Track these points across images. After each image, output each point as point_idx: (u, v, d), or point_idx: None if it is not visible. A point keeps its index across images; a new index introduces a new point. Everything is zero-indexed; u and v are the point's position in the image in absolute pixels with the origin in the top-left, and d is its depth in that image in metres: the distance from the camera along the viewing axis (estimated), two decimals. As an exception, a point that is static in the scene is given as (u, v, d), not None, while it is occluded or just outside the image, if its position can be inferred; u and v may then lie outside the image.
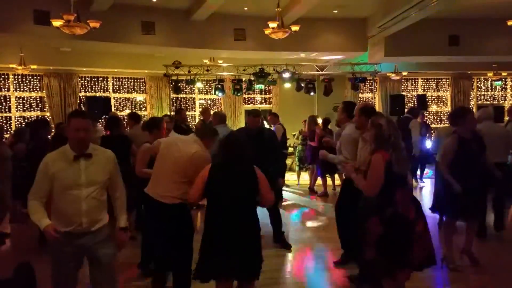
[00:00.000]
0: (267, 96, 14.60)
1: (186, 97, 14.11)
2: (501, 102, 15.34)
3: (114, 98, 13.42)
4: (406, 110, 7.48)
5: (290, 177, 9.78)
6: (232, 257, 2.82)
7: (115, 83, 13.51)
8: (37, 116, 12.74)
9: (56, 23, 7.27)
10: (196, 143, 3.39)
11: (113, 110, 12.99)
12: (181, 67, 11.14)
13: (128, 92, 13.68)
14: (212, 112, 7.80)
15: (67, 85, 12.62)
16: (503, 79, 15.17)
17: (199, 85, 12.45)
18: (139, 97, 13.80)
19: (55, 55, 11.53)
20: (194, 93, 14.10)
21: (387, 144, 2.96)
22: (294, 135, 10.08)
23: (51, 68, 12.25)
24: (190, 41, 10.63)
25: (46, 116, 12.75)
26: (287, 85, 12.36)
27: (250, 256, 2.89)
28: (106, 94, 13.31)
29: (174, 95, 12.97)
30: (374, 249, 2.93)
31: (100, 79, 13.34)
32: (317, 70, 11.95)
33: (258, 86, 12.90)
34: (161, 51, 11.17)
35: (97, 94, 13.14)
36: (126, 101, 13.71)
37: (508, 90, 15.52)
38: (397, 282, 3.00)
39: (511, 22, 9.00)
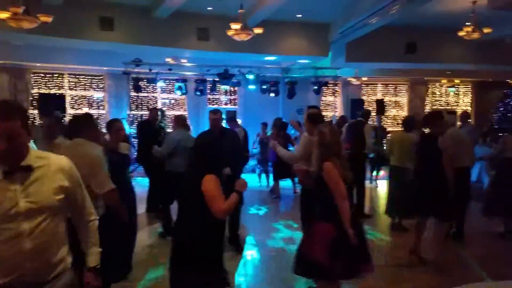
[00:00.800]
0: (232, 97, 14.50)
1: (148, 96, 13.74)
2: (454, 107, 16.09)
3: (69, 95, 12.86)
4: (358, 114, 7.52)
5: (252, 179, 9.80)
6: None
7: (71, 80, 12.94)
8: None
9: (2, 15, 6.82)
10: (85, 144, 3.12)
11: (68, 108, 12.49)
12: (142, 65, 10.85)
13: (85, 89, 13.15)
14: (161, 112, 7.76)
15: (18, 81, 11.94)
16: (456, 86, 15.94)
17: (161, 84, 12.18)
18: (97, 95, 13.30)
19: (5, 48, 10.86)
20: (156, 92, 13.76)
21: (329, 151, 3.12)
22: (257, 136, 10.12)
23: (0, 62, 11.55)
24: (151, 39, 10.33)
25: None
26: (252, 87, 12.34)
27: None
28: (61, 91, 12.73)
29: (135, 94, 12.60)
30: (327, 253, 2.99)
31: (55, 75, 12.74)
32: (281, 73, 12.03)
33: (223, 87, 12.84)
34: (121, 48, 10.79)
35: (52, 91, 12.56)
36: (83, 99, 13.17)
37: (461, 96, 16.31)
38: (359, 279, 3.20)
39: (461, 33, 9.42)
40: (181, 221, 2.81)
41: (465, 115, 7.81)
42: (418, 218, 4.79)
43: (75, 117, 3.49)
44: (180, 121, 5.96)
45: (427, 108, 15.85)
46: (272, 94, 11.66)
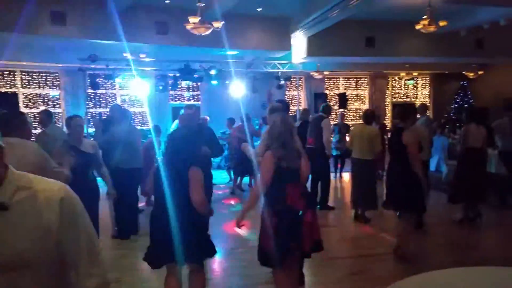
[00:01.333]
0: (195, 92, 14.28)
1: (106, 93, 13.31)
2: (413, 100, 16.57)
3: (23, 94, 12.26)
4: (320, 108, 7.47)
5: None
6: (170, 245, 2.95)
7: (24, 78, 12.33)
8: None
9: None
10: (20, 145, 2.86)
11: (22, 107, 11.91)
12: (99, 61, 10.44)
13: (39, 87, 12.56)
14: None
15: (-35, 80, 11.27)
16: (415, 78, 16.40)
17: (119, 80, 11.80)
18: (53, 93, 12.74)
19: None
20: (115, 89, 13.34)
21: (278, 141, 3.15)
22: (223, 133, 10.01)
23: None
24: (107, 34, 9.96)
25: None
26: (214, 82, 12.18)
27: (187, 243, 2.99)
28: (14, 89, 12.11)
29: (92, 91, 12.16)
30: (271, 239, 3.10)
31: (5, 73, 12.09)
32: (244, 68, 11.93)
33: (185, 83, 12.59)
34: (75, 43, 10.35)
35: (3, 90, 11.92)
36: (38, 97, 12.59)
37: (419, 89, 16.80)
38: (287, 270, 3.20)
39: (418, 26, 9.64)
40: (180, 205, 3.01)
41: (423, 107, 7.95)
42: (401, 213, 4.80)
43: (6, 114, 3.16)
44: (121, 113, 5.82)
45: (388, 101, 16.25)
46: (235, 89, 11.54)
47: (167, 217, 2.99)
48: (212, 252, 3.23)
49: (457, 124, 12.23)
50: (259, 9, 10.67)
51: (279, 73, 11.75)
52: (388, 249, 4.82)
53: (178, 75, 10.94)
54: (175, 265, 3.12)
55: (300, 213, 3.09)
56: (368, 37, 12.13)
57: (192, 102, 14.09)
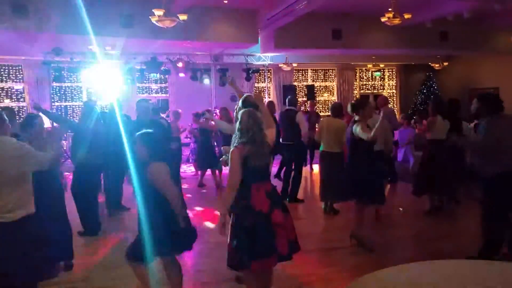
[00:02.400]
0: (163, 85, 14.19)
1: (72, 86, 13.06)
2: (380, 91, 16.95)
3: (-15, 88, 11.92)
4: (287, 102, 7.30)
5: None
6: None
7: (-15, 71, 11.98)
8: None
9: None
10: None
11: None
12: (63, 54, 10.26)
13: (2, 81, 12.22)
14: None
15: None
16: (382, 70, 16.76)
17: (85, 73, 11.61)
18: (17, 86, 12.41)
19: None
20: (80, 82, 13.10)
21: (246, 137, 3.04)
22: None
23: None
24: (71, 27, 9.76)
25: None
26: (182, 75, 12.14)
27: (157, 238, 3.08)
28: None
29: (57, 84, 11.92)
30: (232, 240, 3.04)
31: (-35, 66, 11.72)
32: (212, 60, 11.94)
33: (153, 75, 12.50)
34: (38, 36, 10.10)
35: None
36: (1, 91, 12.25)
37: (386, 80, 17.19)
38: (259, 272, 3.10)
39: (383, 19, 9.86)
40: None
41: (383, 99, 8.03)
42: (355, 202, 4.88)
43: None
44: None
45: (355, 93, 16.56)
46: (203, 82, 11.56)
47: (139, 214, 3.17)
48: (182, 246, 3.26)
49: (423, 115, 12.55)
50: (225, 1, 10.65)
51: (247, 65, 11.81)
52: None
53: (145, 67, 10.86)
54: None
55: (265, 214, 2.99)
56: (334, 29, 12.28)
57: (160, 95, 14.01)
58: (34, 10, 9.40)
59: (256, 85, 14.96)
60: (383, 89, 17.13)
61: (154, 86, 14.15)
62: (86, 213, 5.39)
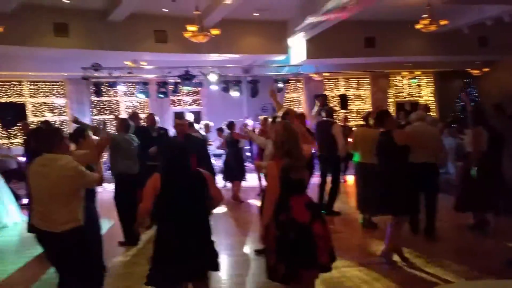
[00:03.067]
0: (195, 97, 14.47)
1: (110, 100, 13.58)
2: (417, 99, 16.48)
3: (30, 103, 12.58)
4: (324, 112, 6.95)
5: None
6: (189, 261, 2.91)
7: (31, 87, 12.66)
8: None
9: (-52, 26, 6.65)
10: (59, 160, 3.10)
11: (29, 116, 12.22)
12: (101, 70, 10.69)
13: (45, 96, 12.88)
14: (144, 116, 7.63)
15: (-25, 91, 11.62)
16: (418, 77, 16.30)
17: (122, 87, 12.04)
18: (58, 102, 13.04)
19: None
20: (118, 96, 13.60)
21: (281, 150, 3.04)
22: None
23: (-45, 72, 11.21)
24: (108, 43, 10.22)
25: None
26: (214, 87, 12.33)
27: (206, 257, 3.02)
28: (22, 99, 12.44)
29: (96, 99, 12.42)
30: (274, 254, 3.02)
31: (14, 83, 12.43)
32: (243, 72, 12.06)
33: (185, 88, 12.74)
34: (78, 53, 10.61)
35: (12, 100, 12.26)
36: (45, 106, 12.90)
37: (423, 88, 16.70)
38: (303, 285, 3.05)
39: (419, 26, 9.63)
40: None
41: (423, 108, 7.76)
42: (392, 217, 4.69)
43: (47, 132, 3.38)
44: (123, 125, 5.92)
45: (390, 101, 16.19)
46: (235, 94, 11.68)
47: (183, 231, 2.95)
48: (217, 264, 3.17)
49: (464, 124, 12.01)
50: (255, 14, 10.79)
51: (278, 76, 11.84)
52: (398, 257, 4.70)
53: (178, 81, 11.12)
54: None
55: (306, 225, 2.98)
56: (367, 37, 12.15)
57: (193, 107, 14.28)
58: (74, 28, 9.92)
59: (286, 95, 14.95)
60: (420, 97, 16.64)
61: (186, 99, 14.45)
62: (127, 223, 5.50)
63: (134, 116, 7.48)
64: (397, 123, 5.66)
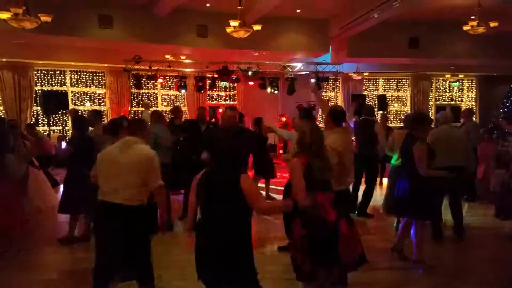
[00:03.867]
0: (232, 93, 14.49)
1: (148, 93, 13.80)
2: (458, 103, 15.92)
3: (72, 92, 12.94)
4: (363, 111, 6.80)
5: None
6: (208, 269, 2.74)
7: (73, 77, 13.01)
8: (-12, 111, 12.14)
9: (3, 15, 6.87)
10: (139, 142, 3.27)
11: (70, 104, 12.57)
12: (142, 62, 10.87)
13: (87, 86, 13.21)
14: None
15: (22, 78, 12.04)
16: (460, 81, 15.73)
17: (160, 80, 12.23)
18: (99, 92, 13.36)
19: (9, 46, 10.94)
20: (156, 89, 13.80)
21: (308, 151, 3.04)
22: None
23: (4, 60, 11.64)
24: (151, 36, 10.35)
25: (-1, 111, 12.17)
26: (251, 83, 12.31)
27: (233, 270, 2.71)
28: (64, 88, 12.81)
29: (135, 90, 12.64)
30: (298, 250, 3.01)
31: (57, 72, 12.81)
32: (281, 69, 11.97)
33: (222, 83, 12.80)
34: (121, 45, 10.82)
35: (54, 88, 12.64)
36: (85, 96, 13.24)
37: (465, 91, 16.10)
38: (325, 284, 3.03)
39: (466, 27, 9.26)
40: (216, 220, 2.71)
41: (467, 112, 7.61)
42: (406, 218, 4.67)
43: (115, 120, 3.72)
44: (157, 116, 6.04)
45: (431, 104, 15.71)
46: (271, 90, 11.61)
47: (209, 237, 2.72)
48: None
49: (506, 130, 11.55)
50: (298, 11, 10.66)
51: (317, 74, 11.69)
52: (430, 260, 4.61)
53: (216, 76, 11.17)
54: None
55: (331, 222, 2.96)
56: (411, 37, 11.82)
57: (228, 102, 14.32)
58: (118, 21, 10.09)
59: (324, 93, 14.75)
60: (461, 100, 16.05)
61: (222, 94, 14.50)
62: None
63: (176, 110, 7.68)
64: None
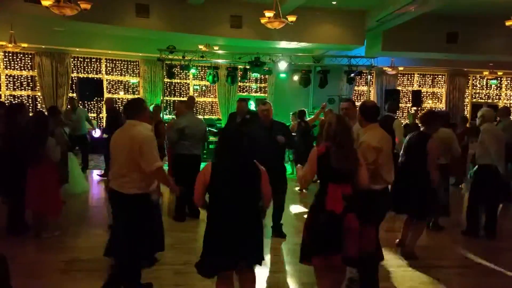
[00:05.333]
0: (262, 84, 14.47)
1: (180, 83, 13.96)
2: (495, 101, 15.36)
3: (106, 80, 13.23)
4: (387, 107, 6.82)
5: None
6: (236, 251, 2.88)
7: (108, 65, 13.30)
8: (28, 96, 12.57)
9: (46, 2, 7.05)
10: (137, 125, 3.32)
11: (105, 92, 12.86)
12: (176, 52, 10.98)
13: (121, 74, 13.48)
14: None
15: (59, 65, 12.41)
16: (499, 78, 15.16)
17: (193, 71, 12.33)
18: (133, 80, 13.61)
19: (48, 33, 11.29)
20: (189, 79, 13.94)
21: (332, 140, 3.13)
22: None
23: (43, 47, 12.01)
24: (185, 26, 10.44)
25: (37, 96, 12.58)
26: (283, 75, 12.25)
27: (253, 247, 2.97)
28: (99, 75, 13.11)
29: (168, 80, 12.80)
30: (304, 233, 3.19)
31: (93, 60, 13.12)
32: (314, 62, 11.85)
33: (253, 75, 12.78)
34: (156, 34, 10.96)
35: (90, 76, 12.96)
36: (119, 84, 13.52)
37: (503, 89, 15.51)
38: (323, 268, 3.19)
39: (509, 23, 8.88)
40: (244, 203, 2.96)
41: (504, 110, 7.37)
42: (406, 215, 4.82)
43: (132, 102, 3.66)
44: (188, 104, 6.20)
45: (467, 101, 15.22)
46: (303, 83, 11.52)
47: (231, 221, 2.88)
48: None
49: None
50: (334, 2, 10.49)
51: (350, 67, 11.51)
52: (460, 262, 4.60)
53: (248, 67, 11.16)
54: (232, 271, 3.04)
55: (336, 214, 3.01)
56: (450, 32, 11.44)
57: (259, 94, 14.31)
58: (154, 10, 10.21)
59: (356, 88, 14.53)
60: (499, 99, 15.47)
61: (254, 86, 14.50)
62: (178, 202, 5.78)
63: (190, 100, 7.82)
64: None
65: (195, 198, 3.01)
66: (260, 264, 3.02)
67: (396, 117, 6.75)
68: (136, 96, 13.28)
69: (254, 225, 2.97)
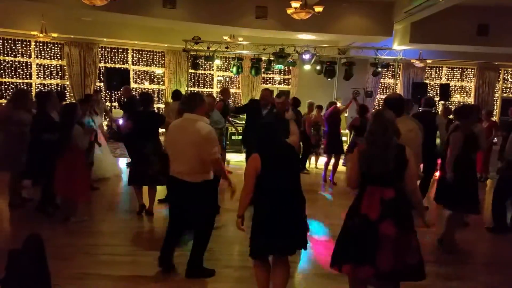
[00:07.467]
0: (286, 76, 14.42)
1: (205, 74, 14.06)
2: (527, 96, 14.83)
3: (133, 70, 13.45)
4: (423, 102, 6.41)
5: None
6: (289, 233, 2.99)
7: (134, 55, 13.52)
8: (57, 85, 12.92)
9: (77, -8, 7.24)
10: (200, 120, 3.61)
11: (131, 82, 13.08)
12: (201, 43, 11.06)
13: (147, 65, 13.69)
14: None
15: (87, 55, 12.70)
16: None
17: (217, 62, 12.39)
18: (158, 71, 13.80)
19: (76, 24, 11.54)
20: (213, 70, 14.03)
21: (367, 140, 2.94)
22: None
23: (72, 37, 12.30)
24: (211, 17, 10.47)
25: (65, 85, 12.92)
26: (307, 67, 12.16)
27: (302, 230, 3.08)
28: (126, 66, 13.34)
29: (193, 71, 12.92)
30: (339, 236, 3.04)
31: (120, 50, 13.35)
32: (339, 53, 11.71)
33: (278, 66, 12.74)
34: (181, 25, 11.05)
35: (117, 66, 13.19)
36: (145, 74, 13.73)
37: (535, 84, 14.96)
38: (350, 281, 3.04)
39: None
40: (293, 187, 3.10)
41: None
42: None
43: (190, 96, 4.00)
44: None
45: (497, 96, 14.75)
46: (328, 75, 11.41)
47: (279, 206, 2.97)
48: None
49: None
50: (361, -7, 10.32)
51: (377, 59, 11.32)
52: (483, 259, 4.57)
53: (272, 58, 11.13)
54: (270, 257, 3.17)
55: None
56: (481, 24, 11.05)
57: (282, 86, 14.27)
58: (181, 1, 10.26)
59: (382, 80, 14.29)
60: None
61: (277, 77, 14.46)
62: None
63: (224, 92, 7.96)
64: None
65: (247, 190, 3.03)
66: (305, 248, 3.11)
67: (434, 111, 6.44)
68: (162, 87, 13.46)
69: (301, 208, 3.10)
